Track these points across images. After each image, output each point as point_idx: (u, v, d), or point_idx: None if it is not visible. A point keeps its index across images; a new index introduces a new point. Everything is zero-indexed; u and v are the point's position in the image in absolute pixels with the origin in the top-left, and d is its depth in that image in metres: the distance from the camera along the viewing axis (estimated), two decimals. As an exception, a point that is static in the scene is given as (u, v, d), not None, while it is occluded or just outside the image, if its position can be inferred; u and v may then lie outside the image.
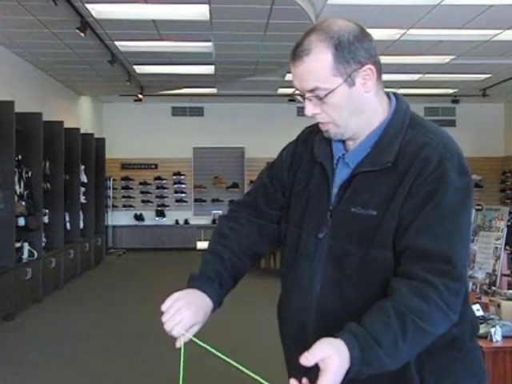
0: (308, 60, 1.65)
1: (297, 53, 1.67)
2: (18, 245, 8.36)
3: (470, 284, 4.08)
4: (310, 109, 1.70)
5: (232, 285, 1.86)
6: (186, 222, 16.06)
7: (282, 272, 1.88)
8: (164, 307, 1.66)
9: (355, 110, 1.69)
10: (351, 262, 1.68)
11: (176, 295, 1.69)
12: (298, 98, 1.73)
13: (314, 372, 1.76)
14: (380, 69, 1.72)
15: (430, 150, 1.65)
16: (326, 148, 1.79)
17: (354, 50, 1.65)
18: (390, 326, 1.52)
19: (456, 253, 1.60)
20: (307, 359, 1.46)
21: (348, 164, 1.74)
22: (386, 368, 1.52)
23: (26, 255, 8.64)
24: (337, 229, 1.72)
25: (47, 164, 9.86)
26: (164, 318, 1.65)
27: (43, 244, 9.35)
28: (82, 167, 11.95)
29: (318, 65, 1.64)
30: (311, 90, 1.67)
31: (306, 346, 1.55)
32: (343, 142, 1.78)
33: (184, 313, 1.65)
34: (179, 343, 1.64)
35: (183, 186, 16.18)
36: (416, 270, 1.58)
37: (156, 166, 16.08)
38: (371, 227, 1.66)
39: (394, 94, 1.80)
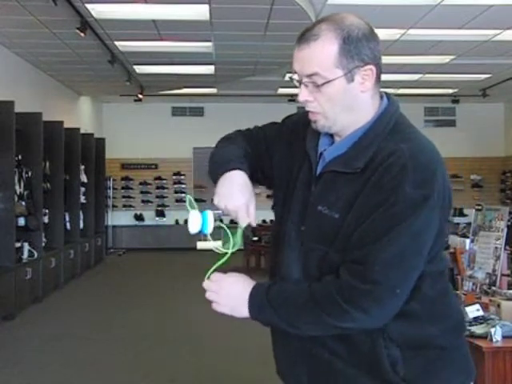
0: (314, 45, 1.66)
1: (305, 36, 1.68)
2: (18, 245, 8.36)
3: (470, 284, 4.08)
4: (304, 95, 1.71)
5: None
6: (186, 222, 15.97)
7: (269, 257, 1.94)
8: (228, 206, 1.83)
9: (347, 106, 1.70)
10: (313, 259, 1.71)
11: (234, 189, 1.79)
12: (295, 82, 1.73)
13: (303, 373, 1.78)
14: (380, 72, 1.72)
15: (393, 159, 1.63)
16: (315, 140, 1.80)
17: (360, 47, 1.66)
18: (292, 295, 1.68)
19: (381, 261, 1.59)
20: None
21: (325, 160, 1.75)
22: (276, 324, 1.70)
23: (25, 255, 8.64)
24: (308, 223, 1.74)
25: (47, 164, 9.85)
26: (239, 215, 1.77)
27: (43, 244, 9.34)
28: (82, 167, 11.94)
29: (322, 52, 1.66)
30: (310, 75, 1.68)
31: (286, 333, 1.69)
32: (332, 136, 1.78)
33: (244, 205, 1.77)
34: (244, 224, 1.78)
35: (183, 186, 16.17)
36: (341, 269, 1.64)
37: (156, 166, 16.08)
38: (333, 229, 1.67)
39: (388, 95, 1.79)
